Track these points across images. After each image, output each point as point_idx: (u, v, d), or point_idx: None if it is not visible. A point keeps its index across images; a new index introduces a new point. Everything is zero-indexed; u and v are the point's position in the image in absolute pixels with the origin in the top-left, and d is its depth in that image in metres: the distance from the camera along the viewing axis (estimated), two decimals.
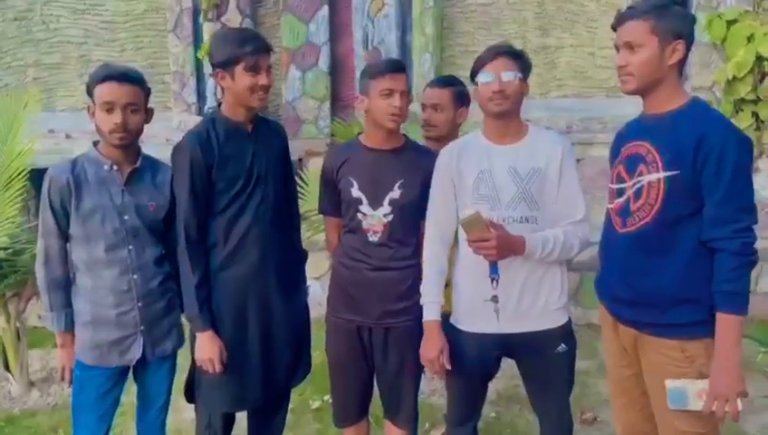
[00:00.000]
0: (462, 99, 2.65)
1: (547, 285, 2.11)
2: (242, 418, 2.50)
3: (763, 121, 4.64)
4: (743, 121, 4.59)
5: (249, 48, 2.12)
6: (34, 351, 4.11)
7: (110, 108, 2.12)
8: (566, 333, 2.16)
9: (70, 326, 2.25)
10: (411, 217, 2.27)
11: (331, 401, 2.58)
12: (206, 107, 5.23)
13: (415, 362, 2.32)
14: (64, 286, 2.24)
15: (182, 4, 5.14)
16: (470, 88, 2.29)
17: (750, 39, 4.56)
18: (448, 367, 2.15)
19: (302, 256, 2.52)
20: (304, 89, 5.17)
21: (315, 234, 3.67)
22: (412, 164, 2.28)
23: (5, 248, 3.46)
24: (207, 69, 4.92)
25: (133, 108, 2.15)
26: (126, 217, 2.20)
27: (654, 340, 1.90)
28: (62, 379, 2.32)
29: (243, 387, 2.28)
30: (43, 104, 5.22)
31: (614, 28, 1.94)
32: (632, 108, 2.15)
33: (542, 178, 2.07)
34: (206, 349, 2.19)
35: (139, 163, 2.24)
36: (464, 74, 2.34)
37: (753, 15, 4.63)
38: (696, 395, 1.83)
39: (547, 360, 2.14)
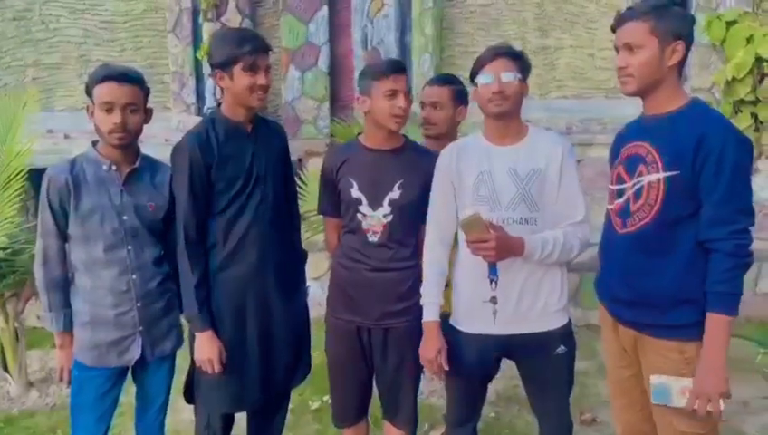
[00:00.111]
0: (461, 97, 2.65)
1: (546, 286, 2.11)
2: (241, 418, 2.50)
3: (762, 122, 4.65)
4: (742, 122, 4.59)
5: (247, 48, 2.12)
6: (33, 351, 4.10)
7: (109, 108, 2.11)
8: (566, 334, 2.15)
9: (68, 327, 2.24)
10: (411, 217, 2.27)
11: (330, 401, 2.58)
12: (205, 107, 5.22)
13: (414, 363, 2.32)
14: (63, 287, 2.23)
15: (181, 4, 5.14)
16: (470, 89, 2.29)
17: (749, 40, 4.56)
18: (446, 368, 2.15)
19: (302, 257, 2.51)
20: (304, 89, 5.17)
21: (314, 234, 3.67)
22: (412, 164, 2.28)
23: (4, 248, 3.46)
24: (207, 69, 4.92)
25: (132, 108, 2.15)
26: (125, 218, 2.19)
27: (653, 341, 1.90)
28: (61, 379, 2.32)
29: (242, 387, 2.28)
30: (42, 104, 5.22)
31: (614, 29, 1.94)
32: (632, 109, 2.15)
33: (541, 179, 2.06)
34: (205, 349, 2.19)
35: (138, 163, 2.24)
36: (463, 75, 2.34)
37: (753, 16, 4.64)
38: (679, 392, 1.84)
39: (546, 361, 2.14)
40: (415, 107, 2.37)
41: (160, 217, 2.26)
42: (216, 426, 2.34)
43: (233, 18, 5.08)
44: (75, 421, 2.29)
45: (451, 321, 2.22)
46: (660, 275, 1.87)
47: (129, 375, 2.35)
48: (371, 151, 2.29)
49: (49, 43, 5.44)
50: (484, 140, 2.16)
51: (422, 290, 2.21)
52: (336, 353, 2.40)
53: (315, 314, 2.53)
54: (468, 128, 2.79)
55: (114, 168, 2.20)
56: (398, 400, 2.38)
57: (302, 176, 4.08)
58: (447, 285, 2.24)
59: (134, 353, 2.24)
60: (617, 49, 1.92)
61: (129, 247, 2.20)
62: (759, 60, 4.52)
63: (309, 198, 3.57)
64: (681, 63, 1.87)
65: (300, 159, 4.93)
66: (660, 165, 1.83)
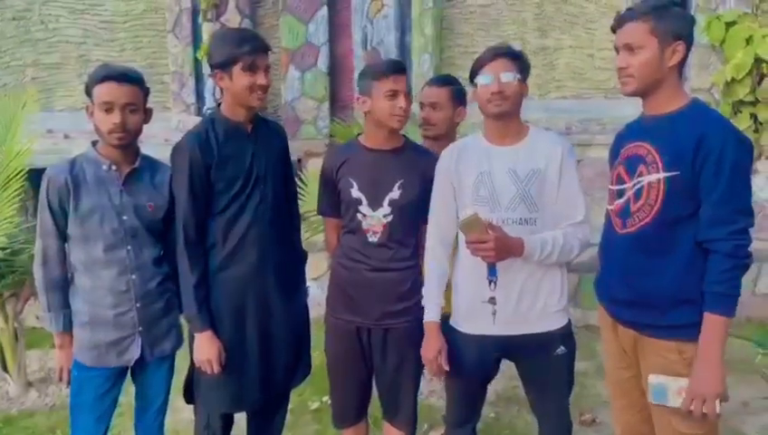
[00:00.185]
0: (460, 97, 2.66)
1: (546, 287, 2.11)
2: (241, 418, 2.49)
3: (761, 123, 4.64)
4: (741, 123, 4.59)
5: (246, 48, 2.12)
6: (32, 351, 4.10)
7: (108, 108, 2.11)
8: (565, 335, 2.15)
9: (68, 327, 2.24)
10: (411, 217, 2.27)
11: (329, 401, 2.58)
12: (204, 107, 5.22)
13: (414, 363, 2.33)
14: (62, 287, 2.23)
15: (181, 4, 5.13)
16: (469, 89, 2.29)
17: (749, 41, 4.56)
18: (446, 368, 2.15)
19: (302, 257, 2.51)
20: (303, 89, 5.17)
21: (314, 235, 3.66)
22: (412, 164, 2.28)
23: (3, 248, 3.45)
24: (206, 69, 4.91)
25: (132, 108, 2.15)
26: (124, 218, 2.19)
27: (653, 341, 1.90)
28: (60, 379, 2.32)
29: (242, 388, 2.28)
30: (42, 104, 5.21)
31: (614, 30, 1.94)
32: (631, 109, 2.15)
33: (541, 179, 2.06)
34: (204, 349, 2.19)
35: (137, 163, 2.24)
36: (463, 75, 2.34)
37: (752, 17, 4.64)
38: (676, 392, 1.84)
39: (546, 362, 2.14)
40: (414, 107, 2.37)
41: (160, 217, 2.26)
42: (215, 426, 2.34)
43: (232, 18, 5.08)
44: (74, 422, 2.29)
45: (451, 321, 2.22)
46: (660, 275, 1.87)
47: (129, 375, 2.34)
48: (371, 151, 2.29)
49: (48, 43, 5.43)
50: (484, 141, 2.16)
51: (423, 291, 2.22)
52: (336, 354, 2.40)
53: (315, 315, 2.53)
54: (467, 128, 2.79)
55: (114, 168, 2.20)
56: (397, 400, 2.38)
57: (302, 176, 4.08)
58: (447, 286, 2.24)
59: (133, 353, 2.24)
60: (617, 49, 1.92)
61: (129, 247, 2.20)
62: (758, 61, 4.52)
63: (308, 199, 3.57)
64: (681, 64, 1.88)
65: (299, 160, 4.93)
66: (660, 165, 1.83)
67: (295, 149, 3.90)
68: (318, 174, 2.45)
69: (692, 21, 1.92)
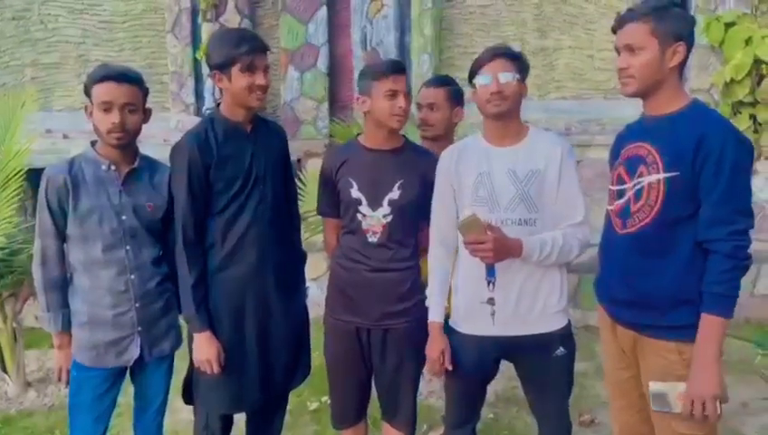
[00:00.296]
0: (457, 98, 2.66)
1: (546, 287, 2.10)
2: (240, 419, 2.49)
3: (760, 124, 4.65)
4: (740, 124, 4.59)
5: (244, 49, 2.12)
6: (31, 351, 4.09)
7: (107, 108, 2.11)
8: (565, 336, 2.15)
9: (67, 327, 2.24)
10: (410, 217, 2.27)
11: (329, 402, 2.58)
12: (204, 107, 5.22)
13: (413, 364, 2.33)
14: (61, 287, 2.23)
15: (180, 4, 5.13)
16: (468, 90, 2.29)
17: (748, 42, 4.56)
18: (449, 368, 2.16)
19: (301, 257, 2.51)
20: (303, 89, 5.17)
21: (313, 235, 3.66)
22: (411, 165, 2.28)
23: (2, 248, 3.45)
24: (206, 69, 4.91)
25: (131, 108, 2.15)
26: (124, 218, 2.19)
27: (653, 342, 1.90)
28: (59, 380, 2.32)
29: (241, 388, 2.27)
30: (41, 104, 5.21)
31: (614, 31, 1.94)
32: (631, 110, 2.15)
33: (540, 179, 2.06)
34: (203, 350, 2.19)
35: (137, 163, 2.24)
36: (462, 76, 2.34)
37: (752, 18, 4.64)
38: (677, 397, 1.83)
39: (546, 363, 2.14)
40: (412, 108, 2.37)
41: (159, 218, 2.25)
42: (214, 427, 2.33)
43: (232, 18, 5.08)
44: (73, 422, 2.29)
45: (450, 322, 2.22)
46: (660, 275, 1.86)
47: (128, 375, 2.34)
48: (371, 152, 2.29)
49: (48, 43, 5.43)
50: (483, 142, 2.16)
51: (427, 291, 2.23)
52: (335, 354, 2.40)
53: (314, 315, 2.52)
54: (467, 129, 2.79)
55: (113, 168, 2.20)
56: (396, 400, 2.38)
57: (301, 176, 4.08)
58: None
59: (132, 354, 2.24)
60: (617, 50, 1.92)
61: (128, 247, 2.20)
62: (758, 61, 4.52)
63: (308, 199, 3.57)
64: (682, 65, 1.88)
65: (299, 160, 4.93)
66: (660, 166, 1.83)
67: (295, 149, 3.90)
68: (317, 174, 2.44)
69: (692, 22, 1.92)
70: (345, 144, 2.58)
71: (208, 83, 5.11)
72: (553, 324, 2.13)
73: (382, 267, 2.27)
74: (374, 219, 2.26)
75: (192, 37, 5.17)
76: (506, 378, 3.16)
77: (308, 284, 2.53)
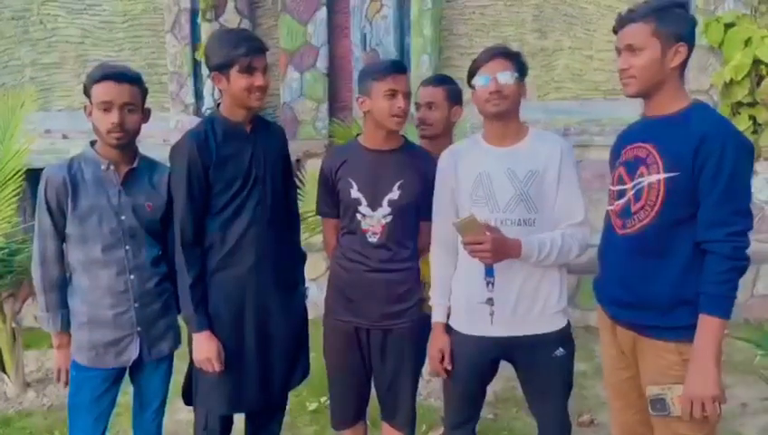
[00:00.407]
0: (455, 97, 2.67)
1: (545, 288, 2.10)
2: (240, 419, 2.49)
3: (760, 125, 4.65)
4: (740, 125, 4.59)
5: (242, 50, 2.12)
6: (30, 351, 4.09)
7: (107, 107, 2.11)
8: (564, 336, 2.15)
9: (66, 327, 2.24)
10: (410, 217, 2.27)
11: (328, 402, 2.58)
12: (203, 108, 5.22)
13: (413, 364, 2.33)
14: (60, 287, 2.23)
15: (180, 4, 5.13)
16: (467, 92, 2.29)
17: (747, 42, 4.56)
18: (448, 367, 2.16)
19: (301, 257, 2.51)
20: (302, 90, 5.17)
21: (313, 235, 3.66)
22: (411, 165, 2.28)
23: (2, 248, 3.46)
24: (205, 70, 4.91)
25: (130, 108, 2.14)
26: (123, 218, 2.19)
27: (652, 342, 1.90)
28: (58, 380, 2.31)
29: (240, 389, 2.27)
30: (40, 104, 5.21)
31: (615, 31, 1.94)
32: (630, 110, 2.15)
33: (540, 180, 2.06)
34: (203, 349, 2.18)
35: (136, 163, 2.24)
36: (462, 76, 2.34)
37: (751, 19, 4.64)
38: (676, 400, 1.83)
39: (545, 364, 2.13)
40: (411, 107, 2.37)
41: (158, 218, 2.25)
42: (214, 427, 2.33)
43: (231, 19, 5.08)
44: (72, 422, 2.29)
45: (450, 322, 2.22)
46: (660, 276, 1.86)
47: (128, 376, 2.34)
48: (371, 152, 2.29)
49: (47, 43, 5.43)
50: (483, 142, 2.16)
51: (430, 292, 2.23)
52: (334, 354, 2.40)
53: (313, 315, 2.52)
54: (466, 130, 2.80)
55: (112, 167, 2.20)
56: (396, 401, 2.38)
57: (301, 177, 4.08)
58: None
59: (132, 354, 2.24)
60: (618, 51, 1.92)
61: (127, 247, 2.19)
62: (757, 62, 4.52)
63: (307, 199, 3.57)
64: (683, 65, 1.87)
65: (298, 160, 4.93)
66: (660, 166, 1.83)
67: (294, 149, 3.90)
68: (317, 175, 2.44)
69: (694, 22, 1.91)
70: (345, 144, 2.58)
71: (208, 84, 5.11)
72: (553, 325, 2.13)
73: (382, 268, 2.27)
74: (374, 220, 2.25)
75: (191, 37, 5.18)
76: (506, 378, 3.16)
77: (307, 284, 2.53)
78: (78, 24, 5.40)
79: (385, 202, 2.24)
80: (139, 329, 2.23)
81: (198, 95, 5.26)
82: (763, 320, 4.55)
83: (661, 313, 1.87)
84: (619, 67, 1.91)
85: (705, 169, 1.77)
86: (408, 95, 2.22)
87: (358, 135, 2.41)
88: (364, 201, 2.25)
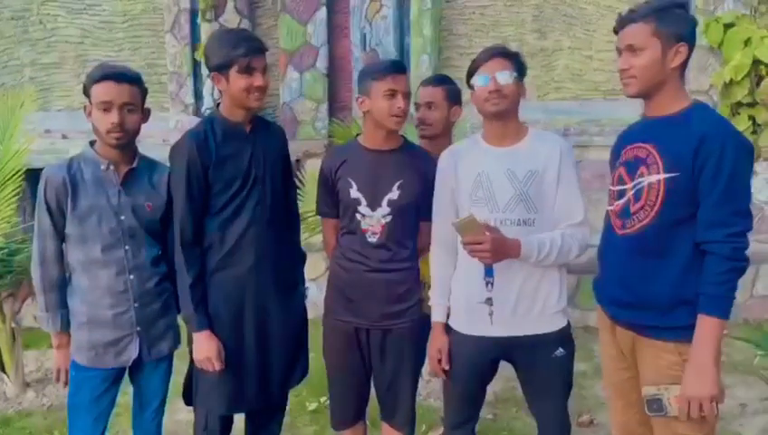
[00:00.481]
0: (455, 97, 2.67)
1: (545, 288, 2.10)
2: (239, 419, 2.49)
3: (759, 125, 4.65)
4: (739, 125, 4.59)
5: (242, 50, 2.12)
6: (30, 351, 4.09)
7: (107, 107, 2.11)
8: (564, 336, 2.15)
9: (65, 327, 2.24)
10: (410, 217, 2.27)
11: (327, 402, 2.58)
12: (203, 108, 5.22)
13: (412, 364, 2.33)
14: (60, 287, 2.23)
15: (180, 4, 5.13)
16: (466, 92, 2.29)
17: (747, 43, 4.56)
18: (446, 367, 2.16)
19: (301, 257, 2.51)
20: (302, 90, 5.17)
21: (312, 235, 3.66)
22: (411, 165, 2.28)
23: (1, 248, 3.46)
24: (205, 70, 4.91)
25: (130, 108, 2.14)
26: (123, 218, 2.19)
27: (652, 342, 1.90)
28: (58, 380, 2.31)
29: (240, 389, 2.27)
30: (40, 104, 5.21)
31: (616, 31, 1.94)
32: (630, 111, 2.15)
33: (539, 180, 2.06)
34: (203, 348, 2.18)
35: (136, 163, 2.24)
36: (461, 76, 2.34)
37: (751, 19, 4.64)
38: (673, 400, 1.83)
39: (545, 364, 2.13)
40: (410, 107, 2.37)
41: (158, 217, 2.25)
42: (213, 427, 2.33)
43: (231, 19, 5.08)
44: (72, 422, 2.29)
45: (449, 322, 2.22)
46: (659, 276, 1.86)
47: (127, 376, 2.34)
48: (370, 152, 2.29)
49: (47, 43, 5.43)
50: (482, 142, 2.16)
51: (430, 292, 2.23)
52: (334, 354, 2.40)
53: (313, 315, 2.52)
54: (465, 130, 2.80)
55: (112, 167, 2.20)
56: (395, 401, 2.38)
57: (300, 177, 4.08)
58: None
59: (131, 354, 2.24)
60: (619, 51, 1.92)
61: (127, 247, 2.19)
62: (756, 62, 4.52)
63: (307, 199, 3.57)
64: (683, 65, 1.87)
65: (298, 160, 4.93)
66: (660, 166, 1.83)
67: (294, 149, 3.90)
68: (316, 175, 2.44)
69: (694, 23, 1.91)
70: (344, 144, 2.58)
71: (207, 84, 5.11)
72: (552, 325, 2.13)
73: (381, 268, 2.27)
74: (373, 219, 2.25)
75: (191, 37, 5.18)
76: (505, 378, 3.16)
77: (307, 284, 2.53)
78: (77, 24, 5.40)
79: (384, 202, 2.24)
80: (138, 329, 2.23)
81: (198, 95, 5.26)
82: (762, 320, 4.56)
83: (661, 313, 1.87)
84: (620, 67, 1.91)
85: (705, 169, 1.77)
86: (407, 95, 2.22)
87: (357, 135, 2.41)
88: (364, 201, 2.25)
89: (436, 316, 2.22)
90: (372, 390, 2.45)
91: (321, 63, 5.13)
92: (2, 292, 3.61)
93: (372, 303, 2.28)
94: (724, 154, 1.75)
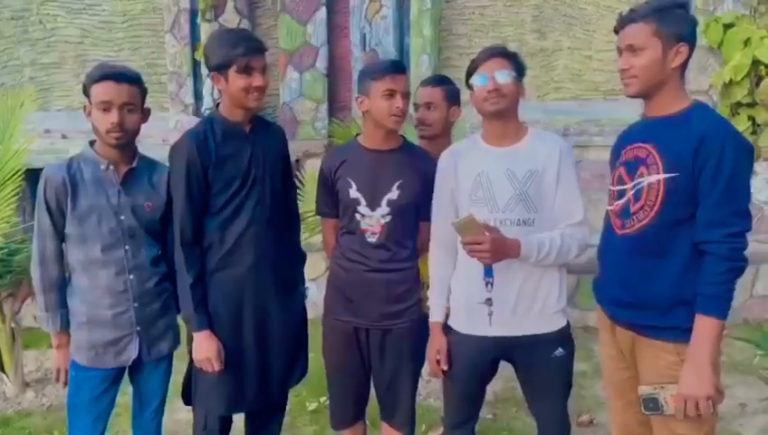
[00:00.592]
0: (454, 97, 2.68)
1: (544, 288, 2.10)
2: (239, 419, 2.49)
3: (759, 125, 4.65)
4: (739, 125, 4.59)
5: (241, 50, 2.12)
6: (29, 351, 4.09)
7: (106, 107, 2.11)
8: (564, 336, 2.15)
9: (65, 327, 2.24)
10: (409, 217, 2.27)
11: (327, 402, 2.58)
12: (203, 108, 5.22)
13: (412, 364, 2.33)
14: (60, 287, 2.23)
15: (179, 4, 5.13)
16: (465, 92, 2.29)
17: (746, 43, 4.56)
18: (444, 368, 2.16)
19: (301, 257, 2.51)
20: (302, 90, 5.17)
21: (312, 235, 3.66)
22: (410, 165, 2.28)
23: (1, 248, 3.45)
24: (204, 69, 4.92)
25: (130, 107, 2.14)
26: (122, 218, 2.19)
27: (651, 342, 1.90)
28: (58, 380, 2.31)
29: (239, 389, 2.27)
30: (40, 104, 5.21)
31: (616, 31, 1.94)
32: (629, 111, 2.15)
33: (539, 180, 2.06)
34: (203, 348, 2.18)
35: (135, 163, 2.24)
36: (461, 76, 2.35)
37: (750, 19, 4.64)
38: (669, 399, 1.83)
39: (544, 364, 2.13)
40: (410, 108, 2.38)
41: (158, 217, 2.25)
42: (213, 427, 2.33)
43: (231, 19, 5.08)
44: (72, 422, 2.29)
45: (449, 322, 2.22)
46: (659, 276, 1.86)
47: (127, 376, 2.34)
48: (370, 152, 2.29)
49: (46, 43, 5.43)
50: (482, 142, 2.16)
51: (429, 293, 2.23)
52: (334, 354, 2.40)
53: (313, 315, 2.52)
54: (465, 130, 2.80)
55: (112, 167, 2.20)
56: (395, 401, 2.38)
57: (300, 177, 4.08)
58: None
59: (131, 354, 2.24)
60: (619, 51, 1.92)
61: (127, 247, 2.19)
62: (756, 63, 4.52)
63: (306, 199, 3.57)
64: (684, 65, 1.88)
65: (297, 160, 4.93)
66: (660, 166, 1.83)
67: (293, 149, 3.90)
68: (316, 175, 2.44)
69: (695, 23, 1.91)
70: (344, 144, 2.58)
71: (207, 84, 5.11)
72: (552, 325, 2.13)
73: (381, 268, 2.27)
74: (373, 219, 2.26)
75: (191, 37, 5.17)
76: (505, 378, 3.16)
77: (307, 284, 2.53)
78: (77, 24, 5.40)
79: (384, 202, 2.24)
80: (138, 329, 2.23)
81: (198, 95, 5.26)
82: (762, 320, 4.55)
83: (660, 313, 1.87)
84: (620, 67, 1.91)
85: (705, 169, 1.77)
86: (406, 95, 2.22)
87: (357, 135, 2.41)
88: (363, 201, 2.25)
89: (435, 316, 2.22)
90: (372, 390, 2.46)
91: (321, 63, 5.13)
92: (2, 292, 3.61)
93: (372, 303, 2.28)
94: (724, 154, 1.75)
